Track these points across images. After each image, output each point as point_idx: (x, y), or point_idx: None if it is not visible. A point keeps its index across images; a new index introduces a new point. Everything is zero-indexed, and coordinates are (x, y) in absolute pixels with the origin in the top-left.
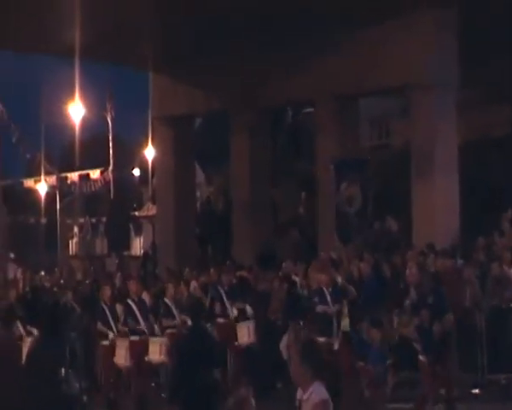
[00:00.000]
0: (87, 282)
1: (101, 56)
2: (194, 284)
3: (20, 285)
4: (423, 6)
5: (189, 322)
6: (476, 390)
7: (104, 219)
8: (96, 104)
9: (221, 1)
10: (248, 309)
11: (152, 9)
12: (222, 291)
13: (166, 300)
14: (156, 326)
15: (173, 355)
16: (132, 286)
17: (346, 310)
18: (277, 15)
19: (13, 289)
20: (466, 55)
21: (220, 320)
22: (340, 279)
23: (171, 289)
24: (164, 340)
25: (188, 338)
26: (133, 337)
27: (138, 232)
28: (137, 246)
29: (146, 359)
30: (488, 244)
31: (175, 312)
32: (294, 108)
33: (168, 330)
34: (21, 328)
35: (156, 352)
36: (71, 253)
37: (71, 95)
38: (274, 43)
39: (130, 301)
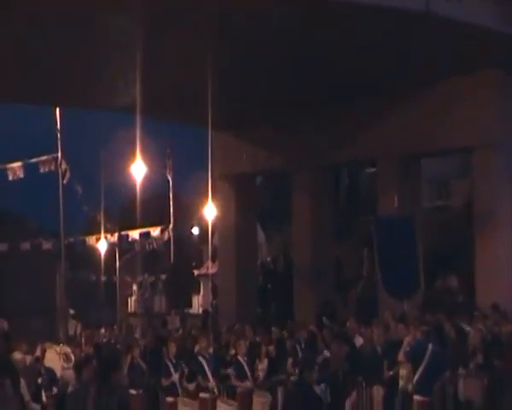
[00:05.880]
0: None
1: (162, 114)
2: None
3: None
4: (487, 68)
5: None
6: None
7: (163, 277)
8: (155, 162)
9: (281, 63)
10: None
11: (215, 71)
12: (298, 348)
13: (239, 358)
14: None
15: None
16: (203, 343)
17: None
18: (340, 74)
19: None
20: None
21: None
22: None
23: (243, 346)
24: (232, 408)
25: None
26: (202, 395)
27: (197, 290)
28: (196, 304)
29: None
30: None
31: (247, 370)
32: (355, 167)
33: (239, 390)
34: None
35: None
36: (129, 310)
37: (131, 152)
38: (335, 103)
39: (200, 358)
